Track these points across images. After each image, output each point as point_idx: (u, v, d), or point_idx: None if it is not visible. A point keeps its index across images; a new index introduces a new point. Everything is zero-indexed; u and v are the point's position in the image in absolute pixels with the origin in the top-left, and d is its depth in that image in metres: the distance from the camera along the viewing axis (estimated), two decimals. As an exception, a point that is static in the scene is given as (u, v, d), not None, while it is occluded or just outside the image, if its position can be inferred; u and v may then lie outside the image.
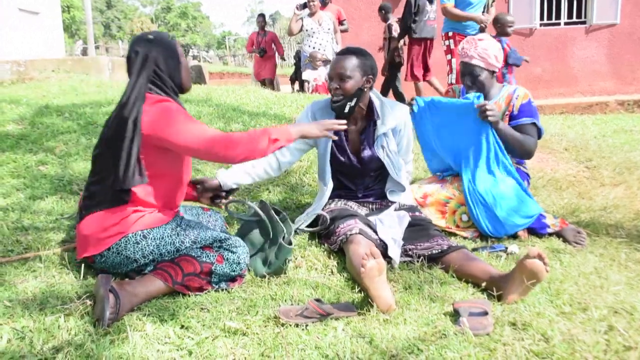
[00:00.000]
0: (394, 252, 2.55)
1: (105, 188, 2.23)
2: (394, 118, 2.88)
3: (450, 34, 6.35)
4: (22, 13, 10.24)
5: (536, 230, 2.98)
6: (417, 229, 2.71)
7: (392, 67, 7.95)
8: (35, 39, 10.47)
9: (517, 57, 5.98)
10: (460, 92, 3.30)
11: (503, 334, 1.96)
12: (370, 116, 2.87)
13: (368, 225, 2.69)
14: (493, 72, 3.18)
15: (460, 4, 6.12)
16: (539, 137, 3.14)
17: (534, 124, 3.12)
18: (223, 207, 2.77)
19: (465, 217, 3.01)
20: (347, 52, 2.78)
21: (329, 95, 2.82)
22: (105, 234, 2.22)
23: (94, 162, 2.33)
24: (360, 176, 2.94)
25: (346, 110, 2.74)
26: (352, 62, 2.72)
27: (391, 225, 2.66)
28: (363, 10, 10.58)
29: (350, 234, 2.56)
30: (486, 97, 3.16)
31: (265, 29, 10.19)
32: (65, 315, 1.98)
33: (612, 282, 2.39)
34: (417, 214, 2.82)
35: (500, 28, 5.92)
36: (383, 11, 8.03)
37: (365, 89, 2.78)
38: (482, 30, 6.07)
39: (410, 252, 2.62)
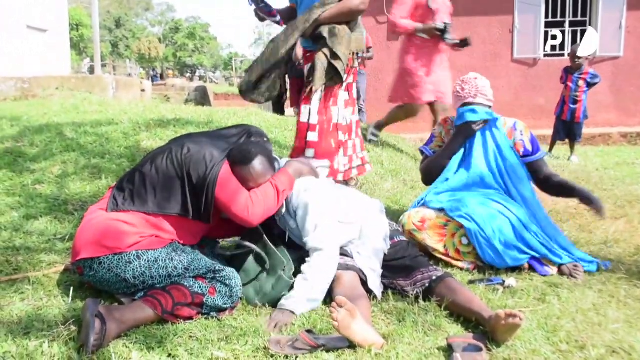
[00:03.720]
0: (374, 284, 2.50)
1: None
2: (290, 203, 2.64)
3: None
4: (30, 30, 10.36)
5: (537, 270, 2.93)
6: (397, 263, 2.63)
7: None
8: (42, 56, 10.58)
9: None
10: (455, 121, 3.26)
11: (497, 371, 1.91)
12: None
13: (344, 255, 2.58)
14: (490, 107, 3.18)
15: None
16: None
17: (543, 153, 3.24)
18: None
19: (465, 240, 2.97)
20: (247, 159, 2.48)
21: None
22: (104, 242, 2.20)
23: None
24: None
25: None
26: (264, 164, 2.50)
27: (369, 257, 2.60)
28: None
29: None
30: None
31: None
32: (50, 340, 1.94)
33: (610, 320, 2.34)
34: (395, 242, 2.74)
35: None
36: None
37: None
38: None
39: (389, 287, 2.58)
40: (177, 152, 2.36)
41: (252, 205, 2.40)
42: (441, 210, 3.06)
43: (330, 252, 2.45)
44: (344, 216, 2.62)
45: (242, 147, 2.48)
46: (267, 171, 2.49)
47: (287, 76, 9.16)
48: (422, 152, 3.43)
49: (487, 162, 3.15)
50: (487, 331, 2.16)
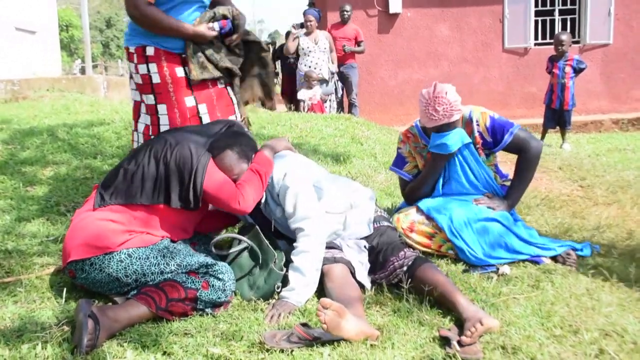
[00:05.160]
0: (363, 276, 2.51)
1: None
2: (270, 186, 2.63)
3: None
4: (19, 32, 10.29)
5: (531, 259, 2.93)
6: (373, 257, 2.62)
7: None
8: (32, 57, 10.51)
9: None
10: (419, 133, 3.16)
11: (493, 358, 1.92)
12: None
13: (332, 247, 2.58)
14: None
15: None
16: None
17: (515, 132, 2.96)
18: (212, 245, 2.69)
19: (452, 252, 2.94)
20: (220, 150, 2.49)
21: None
22: (93, 242, 2.20)
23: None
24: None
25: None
26: (232, 158, 2.50)
27: (358, 250, 2.60)
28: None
29: (323, 265, 2.47)
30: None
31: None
32: (43, 342, 1.94)
33: (603, 304, 2.35)
34: (376, 227, 2.74)
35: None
36: None
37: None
38: None
39: (387, 281, 2.55)
40: (158, 147, 2.36)
41: (241, 193, 2.43)
42: (428, 214, 2.98)
43: (315, 229, 2.46)
44: (328, 205, 2.63)
45: (217, 139, 2.50)
46: (242, 160, 2.51)
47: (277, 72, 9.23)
48: (400, 177, 3.25)
49: (466, 177, 3.07)
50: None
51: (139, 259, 2.23)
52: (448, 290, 2.31)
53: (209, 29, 2.74)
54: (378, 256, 2.61)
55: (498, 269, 2.76)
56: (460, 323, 2.17)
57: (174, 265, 2.27)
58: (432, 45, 10.33)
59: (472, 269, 2.79)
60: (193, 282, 2.23)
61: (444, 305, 2.31)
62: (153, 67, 2.74)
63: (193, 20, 2.77)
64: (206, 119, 2.76)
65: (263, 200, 2.64)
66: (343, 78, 8.43)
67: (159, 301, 2.15)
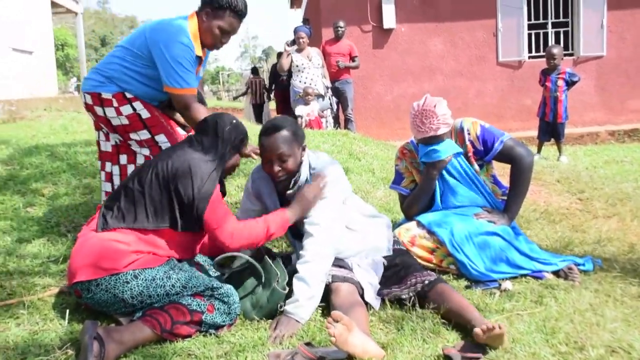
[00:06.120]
0: (371, 296, 2.50)
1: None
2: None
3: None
4: (16, 53, 10.31)
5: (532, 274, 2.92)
6: (390, 272, 2.64)
7: None
8: (29, 77, 10.52)
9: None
10: (414, 148, 3.20)
11: (498, 376, 1.91)
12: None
13: (342, 267, 2.57)
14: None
15: None
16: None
17: (504, 141, 3.00)
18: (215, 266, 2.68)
19: (453, 267, 2.94)
20: (275, 129, 2.53)
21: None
22: (100, 263, 2.19)
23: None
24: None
25: (291, 185, 2.61)
26: (287, 138, 2.52)
27: (368, 270, 2.61)
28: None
29: (329, 282, 2.47)
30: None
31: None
32: (47, 365, 1.92)
33: (608, 319, 2.35)
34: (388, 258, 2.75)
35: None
36: None
37: (302, 159, 2.63)
38: None
39: (385, 297, 2.57)
40: (162, 166, 2.35)
41: (236, 235, 2.41)
42: (429, 228, 3.00)
43: (323, 238, 2.47)
44: (349, 221, 2.65)
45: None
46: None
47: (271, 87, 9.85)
48: (399, 193, 3.28)
49: (462, 187, 3.10)
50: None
51: (145, 280, 2.22)
52: (464, 305, 2.34)
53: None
54: (399, 272, 2.63)
55: (500, 284, 2.76)
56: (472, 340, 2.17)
57: (179, 287, 2.26)
58: (427, 59, 10.39)
59: (475, 284, 2.78)
60: (198, 305, 2.23)
61: (459, 320, 2.29)
62: (138, 104, 2.87)
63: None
64: None
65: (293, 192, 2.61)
66: (338, 93, 8.46)
67: (164, 323, 2.14)
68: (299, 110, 7.81)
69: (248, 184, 2.82)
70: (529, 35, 10.58)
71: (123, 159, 2.98)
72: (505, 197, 3.18)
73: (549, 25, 10.68)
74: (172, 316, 2.16)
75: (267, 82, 12.46)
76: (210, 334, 2.24)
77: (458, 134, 3.08)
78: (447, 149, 2.98)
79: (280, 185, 2.61)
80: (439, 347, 2.14)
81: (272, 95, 11.87)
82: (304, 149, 2.63)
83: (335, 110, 8.50)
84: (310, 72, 7.84)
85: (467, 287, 2.77)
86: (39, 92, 10.09)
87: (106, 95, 2.82)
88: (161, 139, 2.90)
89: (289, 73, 8.11)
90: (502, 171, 3.71)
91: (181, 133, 2.98)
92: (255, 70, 13.54)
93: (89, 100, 2.86)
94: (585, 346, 2.10)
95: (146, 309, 2.23)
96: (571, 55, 10.49)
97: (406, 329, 2.28)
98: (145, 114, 2.86)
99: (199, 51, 2.86)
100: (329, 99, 8.22)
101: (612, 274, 2.91)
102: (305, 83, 7.83)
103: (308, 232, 2.50)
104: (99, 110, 2.85)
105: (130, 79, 2.84)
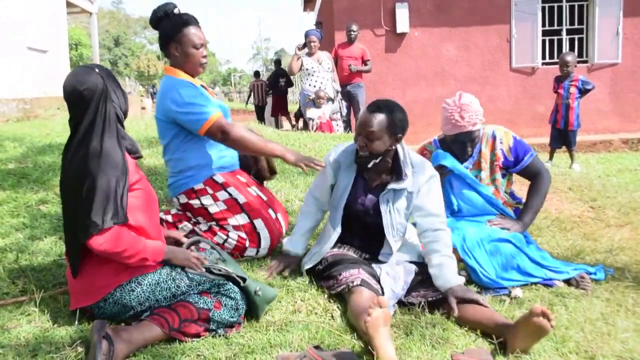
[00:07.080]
0: (389, 304, 2.49)
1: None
2: (416, 182, 2.71)
3: None
4: (31, 52, 10.41)
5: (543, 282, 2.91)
6: (417, 279, 2.66)
7: None
8: (43, 76, 10.62)
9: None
10: (437, 148, 3.23)
11: (508, 384, 1.90)
12: (393, 171, 2.74)
13: (372, 274, 2.60)
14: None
15: None
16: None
17: (534, 155, 3.08)
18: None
19: (464, 273, 2.93)
20: (378, 109, 2.63)
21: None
22: (100, 283, 2.19)
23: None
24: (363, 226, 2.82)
25: (370, 166, 2.68)
26: (383, 122, 2.59)
27: (395, 278, 2.60)
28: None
29: (353, 285, 2.48)
30: (474, 145, 3.11)
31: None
32: (57, 362, 1.94)
33: (619, 329, 2.33)
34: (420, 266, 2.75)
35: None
36: None
37: (393, 148, 2.69)
38: None
39: (406, 300, 2.58)
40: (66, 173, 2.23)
41: (112, 240, 2.12)
42: None
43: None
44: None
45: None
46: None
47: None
48: None
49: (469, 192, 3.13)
50: (504, 339, 2.15)
51: (150, 285, 2.23)
52: (489, 311, 2.37)
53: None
54: (422, 278, 2.65)
55: (510, 291, 2.74)
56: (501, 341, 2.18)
57: (184, 286, 2.27)
58: (440, 64, 10.37)
59: (484, 291, 2.77)
60: (205, 302, 2.23)
61: (483, 325, 2.30)
62: (233, 190, 2.93)
63: None
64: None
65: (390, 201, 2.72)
66: (350, 97, 8.47)
67: (171, 322, 2.15)
68: (310, 112, 7.83)
69: (328, 155, 2.89)
70: (543, 41, 10.54)
71: None
72: (519, 205, 3.17)
73: (564, 32, 10.63)
74: (179, 314, 2.17)
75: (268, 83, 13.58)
76: (219, 335, 2.24)
77: (489, 141, 3.10)
78: (450, 161, 3.08)
79: (360, 161, 2.70)
80: (447, 352, 2.13)
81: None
82: (397, 140, 2.67)
83: (345, 114, 8.51)
84: (320, 75, 7.85)
85: (477, 293, 2.75)
86: (52, 91, 10.17)
87: (197, 186, 2.90)
88: (259, 224, 2.97)
89: (288, 80, 8.20)
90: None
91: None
92: (257, 74, 14.88)
93: (187, 199, 2.94)
94: (596, 356, 2.08)
95: (154, 308, 2.24)
96: (585, 62, 10.42)
97: (415, 334, 2.28)
98: (241, 199, 2.94)
99: (197, 83, 2.91)
100: (339, 102, 8.24)
101: (624, 283, 2.88)
102: (315, 87, 7.85)
103: (437, 227, 2.65)
104: (203, 199, 2.92)
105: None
